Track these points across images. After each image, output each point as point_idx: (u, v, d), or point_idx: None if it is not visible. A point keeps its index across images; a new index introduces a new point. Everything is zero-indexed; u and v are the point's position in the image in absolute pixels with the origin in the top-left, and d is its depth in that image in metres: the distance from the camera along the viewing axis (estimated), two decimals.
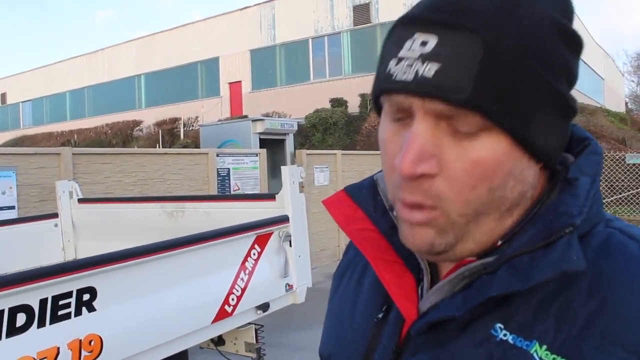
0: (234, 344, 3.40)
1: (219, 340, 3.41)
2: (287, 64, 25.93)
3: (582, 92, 31.39)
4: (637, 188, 12.42)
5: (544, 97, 0.62)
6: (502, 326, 0.63)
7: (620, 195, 12.62)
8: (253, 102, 25.88)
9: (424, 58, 0.60)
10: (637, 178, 12.52)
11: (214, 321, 2.87)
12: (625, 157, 12.82)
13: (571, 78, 0.65)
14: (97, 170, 6.74)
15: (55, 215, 4.90)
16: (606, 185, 12.77)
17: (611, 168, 12.77)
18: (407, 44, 0.61)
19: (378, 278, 0.76)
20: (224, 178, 9.19)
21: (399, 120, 0.65)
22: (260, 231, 3.25)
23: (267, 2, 26.45)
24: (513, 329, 0.63)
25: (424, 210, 0.64)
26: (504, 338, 0.63)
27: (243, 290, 3.05)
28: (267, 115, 20.27)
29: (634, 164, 12.59)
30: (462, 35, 0.59)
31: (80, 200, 4.88)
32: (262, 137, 12.37)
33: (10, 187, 6.02)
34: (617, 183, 12.71)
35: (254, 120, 12.63)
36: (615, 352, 0.57)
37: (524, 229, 0.65)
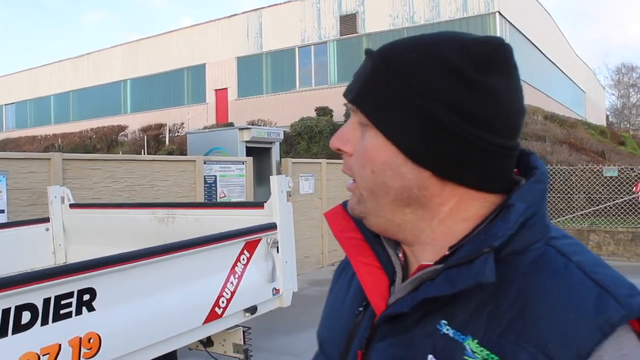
0: (222, 345, 3.54)
1: (207, 342, 3.54)
2: (274, 72, 26.07)
3: (564, 104, 31.88)
4: (613, 200, 12.72)
5: (405, 110, 0.79)
6: (446, 322, 0.78)
7: (597, 207, 12.92)
8: (239, 109, 25.97)
9: (355, 75, 0.88)
10: (613, 190, 12.83)
11: (205, 322, 3.01)
12: (602, 170, 13.13)
13: (464, 112, 0.78)
14: (86, 175, 6.84)
15: (46, 220, 5.00)
16: (585, 197, 13.07)
17: (590, 180, 13.09)
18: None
19: None
20: (210, 185, 9.32)
21: None
22: (249, 237, 3.39)
23: (254, 10, 26.61)
24: (454, 325, 0.78)
25: (353, 181, 0.88)
26: (446, 332, 0.78)
27: (232, 293, 3.20)
28: (252, 122, 20.37)
29: (610, 177, 12.90)
30: (368, 60, 0.85)
31: (72, 206, 4.99)
32: (248, 145, 12.50)
33: (0, 191, 6.11)
34: (595, 195, 13.01)
35: (241, 129, 12.76)
36: (526, 348, 0.71)
37: (464, 245, 0.80)
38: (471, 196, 0.83)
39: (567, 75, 34.95)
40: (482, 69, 0.79)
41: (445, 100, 0.78)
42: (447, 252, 0.81)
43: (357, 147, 0.86)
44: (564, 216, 12.79)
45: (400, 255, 0.93)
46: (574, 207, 12.93)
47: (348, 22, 23.95)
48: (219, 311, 3.10)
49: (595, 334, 0.69)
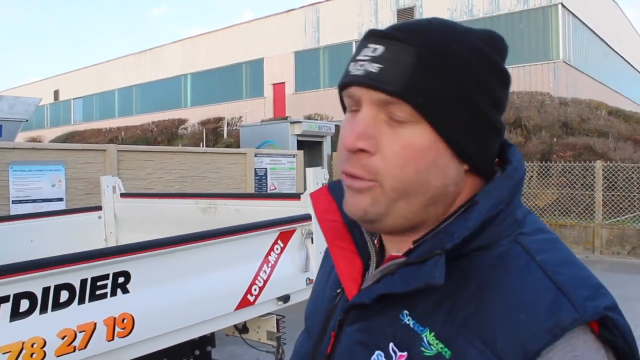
0: (257, 332, 3.64)
1: (243, 328, 3.66)
2: (331, 67, 26.14)
3: (633, 99, 30.60)
4: None
5: (466, 106, 0.79)
6: (408, 313, 0.80)
7: None
8: (296, 103, 26.18)
9: (373, 60, 0.79)
10: None
11: (237, 308, 3.11)
12: None
13: (496, 102, 0.82)
14: (140, 166, 7.11)
15: (99, 208, 5.25)
16: None
17: None
18: (363, 50, 0.81)
19: None
20: (261, 177, 9.49)
21: (352, 112, 0.83)
22: (284, 228, 3.47)
23: (312, 5, 26.73)
24: (414, 316, 0.79)
25: (363, 180, 0.80)
26: (407, 322, 0.80)
27: (265, 281, 3.29)
28: (309, 117, 20.50)
29: None
30: (401, 46, 0.78)
31: (123, 195, 5.21)
32: (299, 138, 12.61)
33: (60, 180, 6.43)
34: None
35: (292, 122, 12.88)
36: (476, 345, 0.72)
37: (426, 240, 0.81)
38: (477, 184, 0.85)
39: (636, 69, 33.52)
40: (504, 60, 0.84)
41: (488, 92, 0.80)
42: (412, 246, 0.83)
43: (387, 145, 0.78)
44: (625, 215, 12.33)
45: (376, 241, 0.94)
46: (636, 206, 12.44)
47: (405, 15, 23.72)
48: (251, 298, 3.19)
49: (543, 336, 0.69)
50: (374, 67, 0.78)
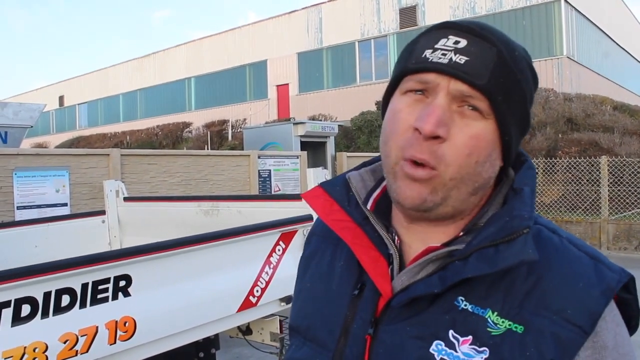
0: (260, 333, 3.64)
1: (246, 330, 3.66)
2: (334, 67, 26.15)
3: (638, 94, 30.45)
4: None
5: (521, 105, 0.86)
6: (463, 298, 0.83)
7: None
8: (300, 104, 26.21)
9: (457, 51, 0.82)
10: None
11: (239, 310, 3.11)
12: None
13: (532, 102, 0.90)
14: (143, 170, 7.13)
15: (102, 213, 5.27)
16: None
17: None
18: (442, 40, 0.84)
19: (349, 261, 0.96)
20: (265, 179, 9.50)
21: (416, 94, 0.85)
22: (285, 229, 3.47)
23: (314, 5, 26.75)
24: (472, 300, 0.82)
25: (425, 168, 0.82)
26: (465, 307, 0.82)
27: (267, 283, 3.29)
28: (313, 117, 20.51)
29: None
30: (484, 43, 0.82)
31: (126, 199, 5.23)
32: (303, 139, 12.61)
33: (64, 186, 6.46)
34: None
35: (296, 123, 12.89)
36: (546, 315, 0.79)
37: (485, 226, 0.85)
38: (495, 176, 0.90)
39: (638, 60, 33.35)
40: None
41: (530, 94, 0.88)
42: (460, 234, 0.87)
43: (457, 134, 0.82)
44: (631, 210, 12.26)
45: (396, 238, 0.93)
46: None
47: (408, 14, 23.72)
48: (254, 300, 3.19)
49: (601, 299, 0.80)
50: (459, 59, 0.81)
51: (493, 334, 0.79)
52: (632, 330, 0.87)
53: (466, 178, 0.83)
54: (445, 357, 0.81)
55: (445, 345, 0.81)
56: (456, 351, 0.80)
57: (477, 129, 0.82)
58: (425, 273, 0.86)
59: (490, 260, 0.80)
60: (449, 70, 0.81)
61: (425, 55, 0.84)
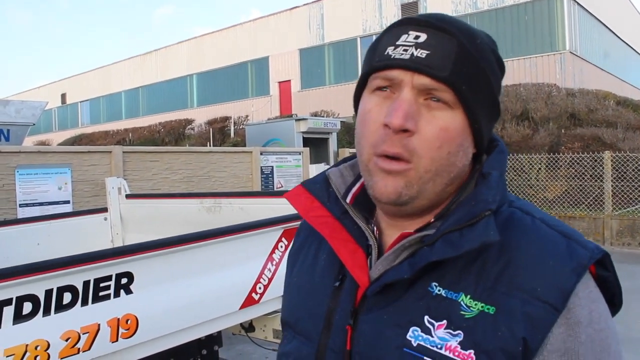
0: (263, 330, 3.63)
1: (249, 327, 3.65)
2: (336, 63, 26.12)
3: (636, 86, 30.34)
4: None
5: (488, 93, 0.87)
6: (436, 284, 0.84)
7: None
8: (302, 100, 26.18)
9: (417, 46, 0.83)
10: None
11: (242, 307, 3.11)
12: None
13: (500, 88, 0.91)
14: (145, 167, 7.13)
15: (105, 210, 5.26)
16: None
17: None
18: (403, 37, 0.85)
19: (331, 254, 0.97)
20: (267, 176, 9.49)
21: (383, 90, 0.86)
22: (288, 225, 3.45)
23: (316, 1, 26.69)
24: (444, 285, 0.84)
25: (400, 162, 0.84)
26: (439, 292, 0.84)
27: (270, 279, 3.28)
28: (315, 113, 20.49)
29: None
30: (444, 36, 0.83)
31: (128, 196, 5.22)
32: (305, 136, 12.60)
33: (66, 183, 6.46)
34: None
35: (298, 120, 12.87)
36: (517, 295, 0.80)
37: (453, 211, 0.86)
38: (469, 163, 0.91)
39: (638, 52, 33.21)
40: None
41: (497, 81, 0.90)
42: (431, 220, 0.89)
43: (426, 127, 0.83)
44: (635, 205, 12.23)
45: (375, 229, 0.95)
46: None
47: (409, 10, 23.64)
48: (256, 297, 3.19)
49: (572, 275, 0.80)
50: (420, 53, 0.83)
51: (466, 316, 0.81)
52: (616, 308, 0.88)
53: (441, 170, 0.84)
54: (421, 343, 0.82)
55: (422, 331, 0.83)
56: (432, 336, 0.82)
57: (445, 120, 0.83)
58: (399, 260, 0.88)
59: (454, 244, 0.82)
60: (411, 65, 0.83)
61: (388, 53, 0.85)
